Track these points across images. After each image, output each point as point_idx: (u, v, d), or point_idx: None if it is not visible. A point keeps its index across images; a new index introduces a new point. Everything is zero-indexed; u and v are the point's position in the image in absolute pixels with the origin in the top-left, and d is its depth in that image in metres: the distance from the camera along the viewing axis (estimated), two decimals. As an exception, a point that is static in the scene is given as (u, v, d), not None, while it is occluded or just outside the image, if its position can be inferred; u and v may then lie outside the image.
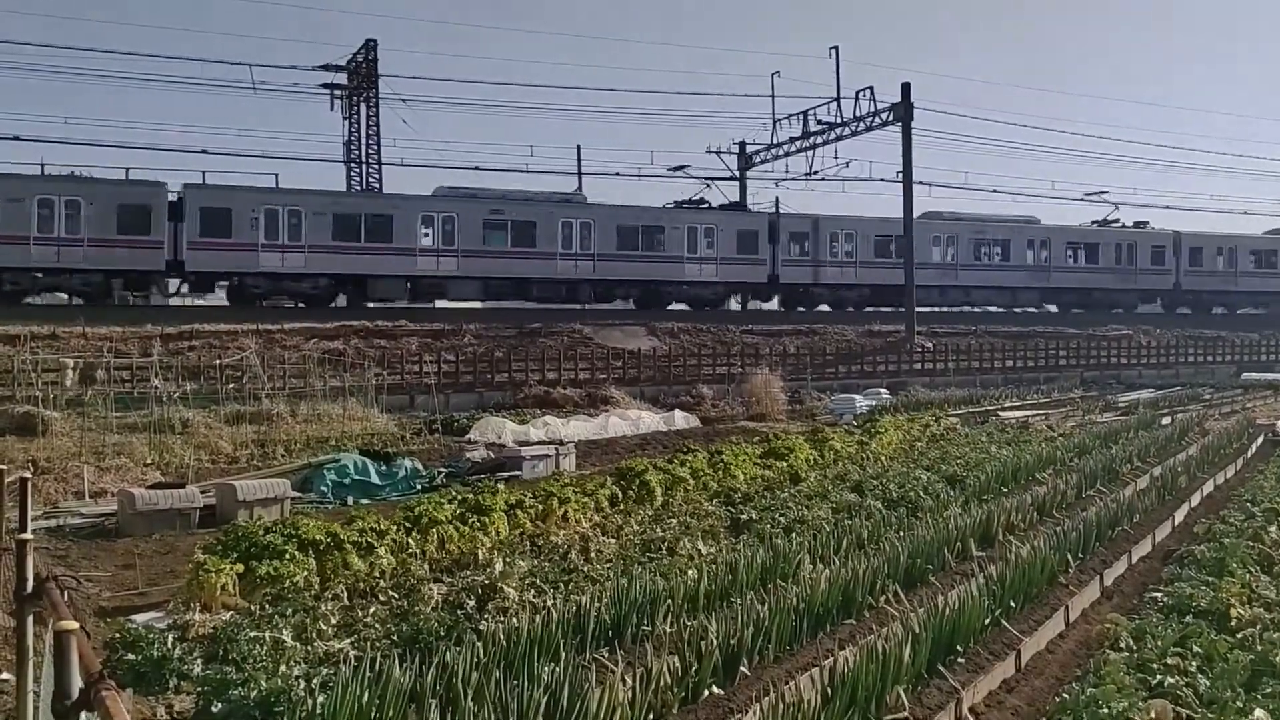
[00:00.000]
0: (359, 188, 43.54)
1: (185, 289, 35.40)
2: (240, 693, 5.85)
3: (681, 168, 46.95)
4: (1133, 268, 50.30)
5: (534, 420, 22.74)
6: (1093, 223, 52.62)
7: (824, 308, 44.23)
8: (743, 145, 49.80)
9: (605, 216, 39.17)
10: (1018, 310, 48.51)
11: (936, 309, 45.34)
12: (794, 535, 10.55)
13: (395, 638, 7.21)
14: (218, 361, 24.17)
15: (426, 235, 36.28)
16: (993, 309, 49.07)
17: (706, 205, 43.87)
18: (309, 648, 6.98)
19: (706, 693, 6.41)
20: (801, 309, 43.65)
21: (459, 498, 11.20)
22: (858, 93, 42.51)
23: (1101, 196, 53.02)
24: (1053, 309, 50.16)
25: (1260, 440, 20.36)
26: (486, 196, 37.85)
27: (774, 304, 45.71)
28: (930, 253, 44.45)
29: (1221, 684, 6.07)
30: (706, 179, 47.08)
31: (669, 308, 40.71)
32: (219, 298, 36.77)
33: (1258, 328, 50.84)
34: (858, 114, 42.58)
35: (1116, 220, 52.57)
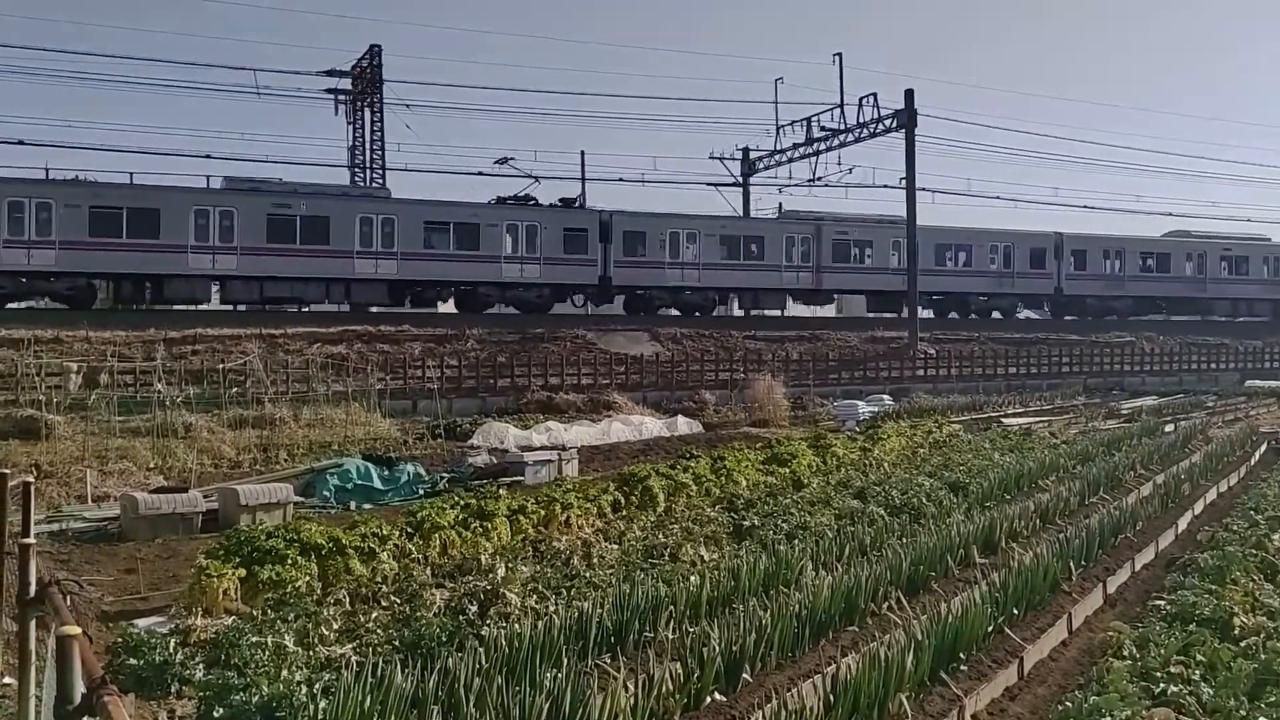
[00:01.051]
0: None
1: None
2: (242, 698, 5.84)
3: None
4: (580, 255, 38.10)
5: (536, 425, 22.75)
6: (501, 199, 39.58)
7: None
8: (746, 151, 49.88)
9: None
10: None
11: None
12: (796, 541, 10.54)
13: (397, 643, 7.20)
14: (221, 365, 24.20)
15: None
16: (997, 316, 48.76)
17: None
18: (311, 653, 6.98)
19: (709, 699, 6.40)
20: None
21: (461, 503, 11.21)
22: (861, 99, 42.59)
23: (509, 162, 40.83)
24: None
25: (1264, 448, 20.32)
26: None
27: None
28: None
29: (1225, 692, 6.06)
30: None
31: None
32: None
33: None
34: (861, 120, 42.66)
35: (530, 199, 39.71)
